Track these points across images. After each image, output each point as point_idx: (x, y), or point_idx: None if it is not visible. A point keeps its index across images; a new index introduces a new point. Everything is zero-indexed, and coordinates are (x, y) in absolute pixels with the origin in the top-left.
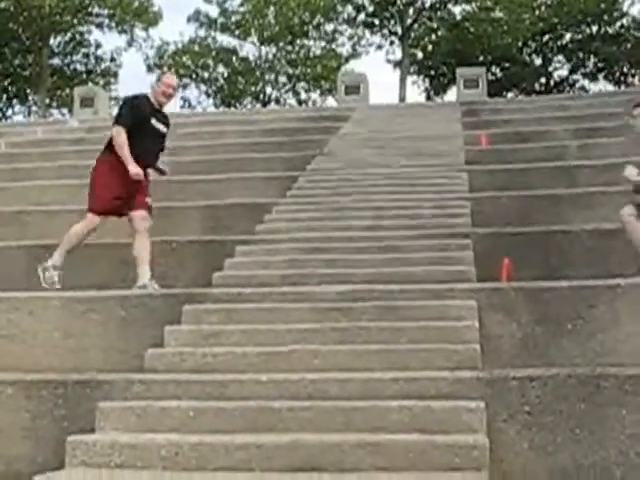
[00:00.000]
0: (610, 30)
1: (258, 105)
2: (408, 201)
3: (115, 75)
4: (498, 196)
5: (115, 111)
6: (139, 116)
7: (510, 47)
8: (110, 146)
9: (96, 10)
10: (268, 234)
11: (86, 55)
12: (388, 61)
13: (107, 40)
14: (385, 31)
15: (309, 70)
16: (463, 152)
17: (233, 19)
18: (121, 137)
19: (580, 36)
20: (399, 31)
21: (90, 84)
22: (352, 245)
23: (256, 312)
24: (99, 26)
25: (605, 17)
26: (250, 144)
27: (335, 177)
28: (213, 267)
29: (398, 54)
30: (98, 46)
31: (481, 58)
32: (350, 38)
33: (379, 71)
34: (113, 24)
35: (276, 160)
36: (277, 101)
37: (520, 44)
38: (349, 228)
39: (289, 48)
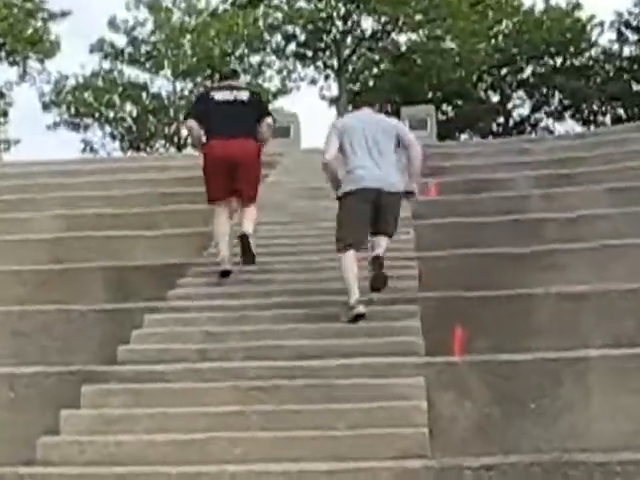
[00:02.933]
0: (577, 62)
1: (172, 149)
2: None
3: (5, 114)
4: (449, 255)
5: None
6: None
7: (463, 82)
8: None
9: None
10: (182, 300)
11: None
12: (323, 98)
13: None
14: (319, 63)
15: None
16: (409, 204)
17: (143, 50)
18: None
19: (543, 69)
20: (335, 64)
21: None
22: (280, 313)
23: (168, 393)
24: None
25: (571, 48)
26: (162, 195)
27: (262, 234)
28: (118, 340)
29: (334, 90)
30: None
31: (430, 95)
32: (279, 71)
33: (312, 110)
34: (3, 54)
35: (192, 214)
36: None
37: (475, 78)
38: (277, 293)
39: (208, 83)
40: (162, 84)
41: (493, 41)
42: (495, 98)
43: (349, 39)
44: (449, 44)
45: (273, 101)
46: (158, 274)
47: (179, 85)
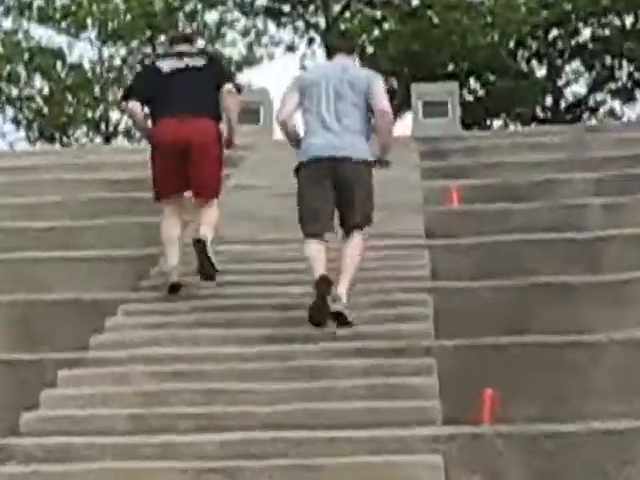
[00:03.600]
0: None
1: (98, 140)
2: None
3: None
4: (476, 287)
5: None
6: None
7: (497, 48)
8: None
9: None
10: (109, 350)
11: None
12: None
13: None
14: (299, 23)
15: None
16: (422, 216)
17: (58, 3)
18: None
19: (606, 32)
20: (322, 23)
21: None
22: (245, 367)
23: (88, 477)
24: None
25: None
26: (87, 203)
27: (219, 257)
28: (23, 404)
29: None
30: None
31: (451, 66)
32: (244, 34)
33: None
34: None
35: (128, 229)
36: (128, 134)
37: (513, 44)
38: (240, 339)
39: (148, 50)
40: (84, 50)
41: None
42: (541, 71)
43: None
44: None
45: (237, 73)
46: (77, 313)
47: (107, 52)
